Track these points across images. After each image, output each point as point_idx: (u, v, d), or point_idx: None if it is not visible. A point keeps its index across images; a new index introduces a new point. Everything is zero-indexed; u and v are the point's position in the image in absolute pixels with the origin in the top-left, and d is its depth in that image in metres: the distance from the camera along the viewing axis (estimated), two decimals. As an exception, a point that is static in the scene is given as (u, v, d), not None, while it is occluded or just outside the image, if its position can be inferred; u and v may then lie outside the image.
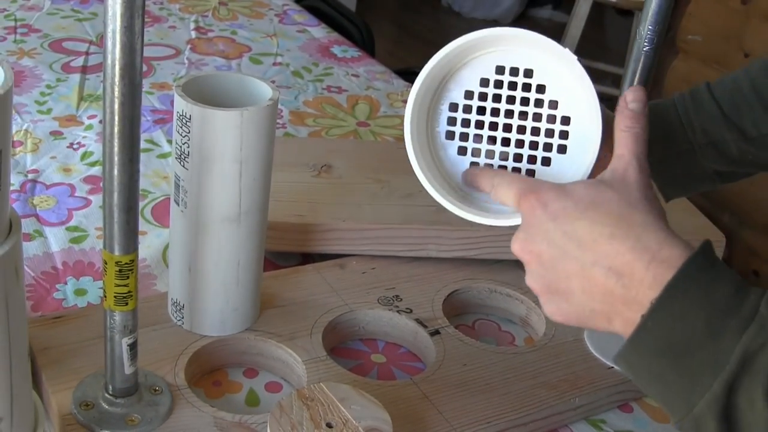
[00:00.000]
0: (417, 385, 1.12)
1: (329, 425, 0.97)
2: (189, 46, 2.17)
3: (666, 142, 1.14)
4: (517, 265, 1.34)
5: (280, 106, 1.86)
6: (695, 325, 0.73)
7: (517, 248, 0.89)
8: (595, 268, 0.81)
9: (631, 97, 0.94)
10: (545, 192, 0.87)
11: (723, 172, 1.16)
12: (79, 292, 1.28)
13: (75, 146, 1.66)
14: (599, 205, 0.84)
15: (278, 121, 1.83)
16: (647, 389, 0.79)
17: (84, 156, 1.63)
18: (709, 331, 0.72)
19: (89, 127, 1.73)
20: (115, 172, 0.86)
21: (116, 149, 0.85)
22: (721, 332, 0.72)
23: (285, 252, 1.39)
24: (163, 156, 1.66)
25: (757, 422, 0.70)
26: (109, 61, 0.81)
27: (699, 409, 0.72)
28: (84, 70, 1.96)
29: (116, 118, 0.84)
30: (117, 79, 0.82)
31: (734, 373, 0.71)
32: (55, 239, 1.39)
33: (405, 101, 1.64)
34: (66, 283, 1.30)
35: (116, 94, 0.83)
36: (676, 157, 1.15)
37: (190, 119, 1.02)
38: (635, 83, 1.21)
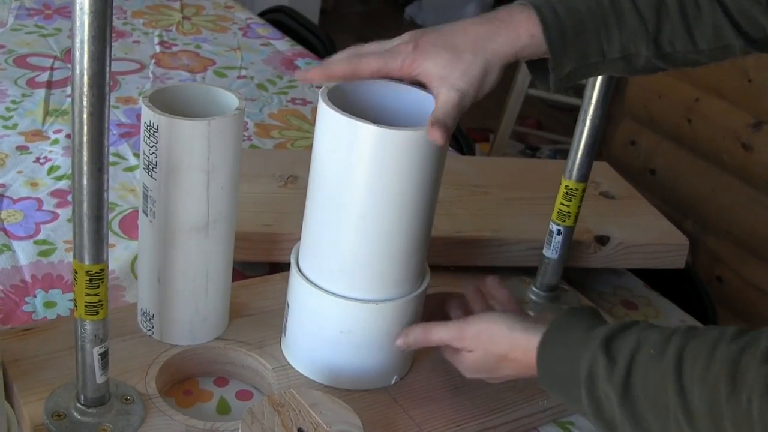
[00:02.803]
0: (386, 390, 1.13)
1: (300, 430, 0.98)
2: (153, 61, 2.17)
3: (578, 54, 1.06)
4: (483, 271, 1.37)
5: (245, 119, 1.87)
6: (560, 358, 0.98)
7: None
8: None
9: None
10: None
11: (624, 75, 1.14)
12: (49, 304, 1.29)
13: (42, 160, 1.66)
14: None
15: (244, 133, 1.83)
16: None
17: (51, 170, 1.63)
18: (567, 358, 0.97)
19: (55, 142, 1.73)
20: (84, 181, 0.87)
21: (85, 158, 0.86)
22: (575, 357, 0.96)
23: (253, 262, 1.39)
24: (130, 169, 1.66)
25: (615, 411, 0.91)
26: (77, 71, 0.82)
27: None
28: (49, 85, 1.96)
29: (85, 127, 0.84)
30: (86, 89, 0.83)
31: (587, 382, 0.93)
32: (24, 253, 1.39)
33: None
34: (35, 296, 1.30)
35: (85, 104, 0.83)
36: (585, 68, 1.07)
37: (157, 129, 1.03)
38: (597, 89, 1.23)
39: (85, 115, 0.84)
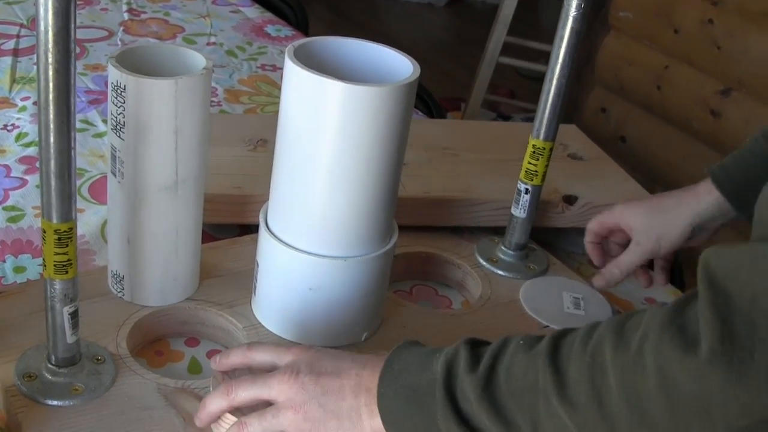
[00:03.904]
0: (357, 347, 1.14)
1: (271, 386, 0.98)
2: (122, 28, 2.16)
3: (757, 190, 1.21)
4: (453, 231, 1.37)
5: (214, 85, 1.87)
6: (412, 371, 0.89)
7: (287, 377, 0.94)
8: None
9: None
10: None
11: None
12: (18, 269, 1.29)
13: (9, 128, 1.66)
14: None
15: (213, 99, 1.83)
16: None
17: (18, 137, 1.63)
18: (420, 367, 0.88)
19: (23, 109, 1.73)
20: (51, 139, 0.87)
21: (51, 116, 0.86)
22: (429, 364, 0.88)
23: (223, 225, 1.40)
24: (99, 135, 1.66)
25: (473, 405, 0.82)
26: (42, 28, 0.82)
27: (442, 426, 0.84)
28: (15, 52, 1.96)
29: (51, 84, 0.84)
30: (50, 45, 0.82)
31: (444, 377, 0.85)
32: (-8, 219, 1.39)
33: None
34: (5, 261, 1.30)
35: (50, 60, 0.83)
36: None
37: (124, 89, 1.03)
38: (563, 49, 1.23)
39: (50, 72, 0.84)
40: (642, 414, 0.70)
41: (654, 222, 1.27)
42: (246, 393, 0.94)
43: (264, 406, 0.94)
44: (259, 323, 1.16)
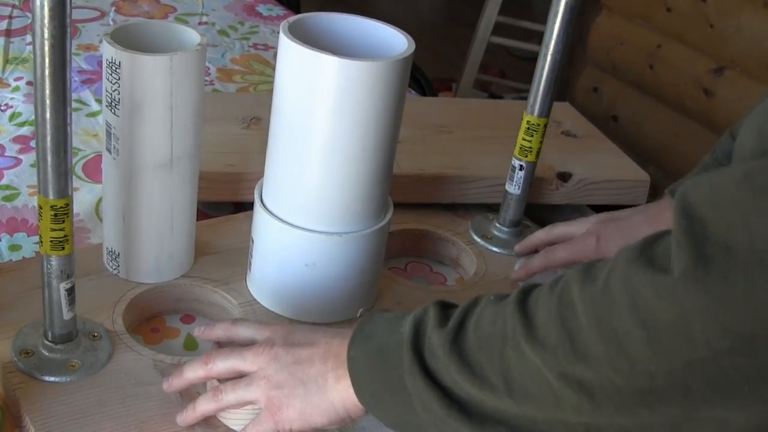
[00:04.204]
0: (352, 323, 1.14)
1: (267, 361, 0.99)
2: (114, 8, 2.16)
3: None
4: (448, 208, 1.38)
5: (207, 64, 1.87)
6: (381, 333, 0.89)
7: (262, 350, 0.96)
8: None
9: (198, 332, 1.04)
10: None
11: None
12: (14, 247, 1.29)
13: (2, 107, 1.65)
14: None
15: (206, 78, 1.83)
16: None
17: (12, 117, 1.63)
18: (390, 329, 0.88)
19: (16, 89, 1.72)
20: (47, 114, 0.87)
21: (48, 91, 0.86)
22: (398, 325, 0.87)
23: (217, 203, 1.40)
24: (92, 115, 1.66)
25: (441, 359, 0.81)
26: (38, 2, 0.82)
27: (409, 384, 0.83)
28: (8, 33, 1.95)
29: (47, 60, 0.84)
30: (47, 20, 0.82)
31: (412, 334, 0.84)
32: (-13, 198, 1.39)
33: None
34: (0, 240, 1.30)
35: (46, 35, 0.83)
36: None
37: (119, 66, 1.03)
38: (557, 24, 1.24)
39: (46, 47, 0.83)
40: (618, 346, 0.68)
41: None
42: (223, 364, 0.96)
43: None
44: (255, 300, 1.16)
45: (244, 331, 0.99)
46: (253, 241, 1.16)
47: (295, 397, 0.92)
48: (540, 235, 1.33)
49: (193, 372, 0.97)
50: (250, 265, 1.18)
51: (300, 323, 1.00)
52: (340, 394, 0.90)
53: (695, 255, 0.64)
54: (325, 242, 1.10)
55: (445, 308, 0.85)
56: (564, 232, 1.30)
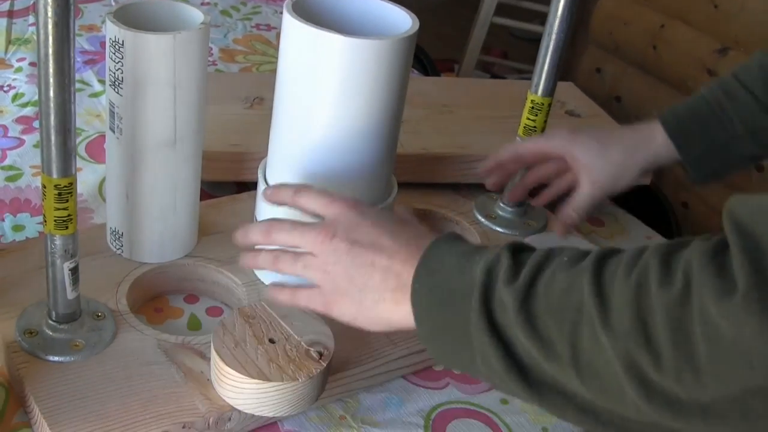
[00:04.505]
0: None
1: (272, 341, 0.99)
2: (116, -11, 2.16)
3: (703, 138, 1.22)
4: (451, 188, 1.38)
5: (210, 44, 1.86)
6: (449, 272, 0.84)
7: (323, 237, 0.93)
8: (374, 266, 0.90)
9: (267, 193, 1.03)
10: (355, 201, 0.96)
11: (757, 155, 1.23)
12: (17, 228, 1.29)
13: (5, 88, 1.66)
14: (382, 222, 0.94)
15: (209, 58, 1.83)
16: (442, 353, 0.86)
17: (15, 97, 1.63)
18: (459, 269, 0.83)
19: (19, 70, 1.72)
20: (51, 93, 0.86)
21: (51, 70, 0.85)
22: (469, 268, 0.82)
23: (221, 183, 1.40)
24: (95, 95, 1.66)
25: (509, 317, 0.77)
26: (41, -20, 0.82)
27: (473, 334, 0.80)
28: (11, 14, 1.95)
29: (50, 38, 0.84)
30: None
31: (483, 284, 0.80)
32: (-10, 178, 1.39)
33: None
34: (3, 220, 1.30)
35: (49, 14, 0.82)
36: (714, 151, 1.22)
37: (122, 45, 1.03)
38: (562, 3, 1.23)
39: (50, 26, 0.83)
40: (687, 353, 0.67)
41: (609, 161, 1.25)
42: (283, 237, 0.96)
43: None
44: (259, 280, 1.16)
45: (308, 203, 0.98)
46: (256, 221, 1.16)
47: (350, 301, 0.91)
48: (504, 154, 1.34)
49: (254, 235, 0.99)
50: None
51: (365, 207, 0.96)
52: (397, 316, 0.88)
53: (754, 276, 0.63)
54: None
55: (517, 255, 0.82)
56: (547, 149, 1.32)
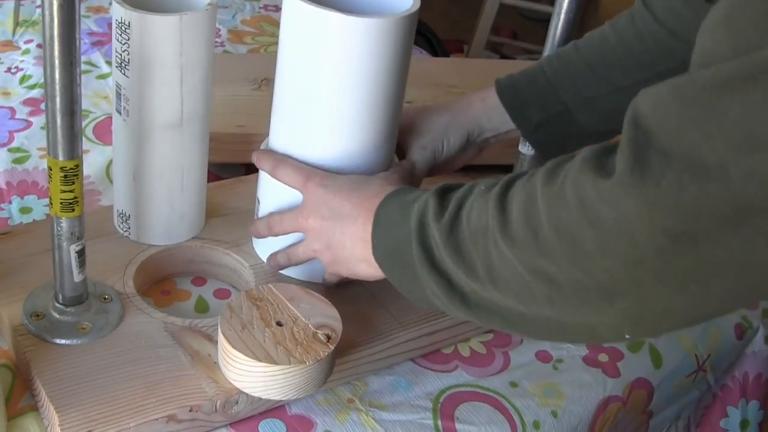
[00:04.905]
0: (364, 286, 1.13)
1: (279, 323, 0.98)
2: (123, -30, 2.14)
3: (539, 107, 1.19)
4: (461, 170, 1.37)
5: (218, 26, 1.86)
6: (394, 223, 0.93)
7: (301, 221, 1.06)
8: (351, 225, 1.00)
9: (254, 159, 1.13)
10: (322, 177, 1.05)
11: (603, 131, 1.18)
12: (24, 210, 1.28)
13: (13, 70, 1.65)
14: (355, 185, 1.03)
15: (216, 40, 1.82)
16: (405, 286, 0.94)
17: (23, 79, 1.62)
18: (401, 219, 0.92)
19: (26, 52, 1.72)
20: (57, 75, 0.86)
21: (56, 52, 0.85)
22: (406, 215, 0.91)
23: (228, 165, 1.39)
24: (102, 77, 1.65)
25: (441, 251, 0.85)
26: (45, -39, 0.81)
27: (420, 275, 0.88)
28: (18, -4, 1.94)
29: (56, 20, 0.83)
30: (55, -21, 0.82)
31: (417, 229, 0.88)
32: (-3, 160, 1.39)
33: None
34: (10, 203, 1.30)
35: (54, -5, 0.82)
36: (552, 120, 1.19)
37: (129, 26, 1.02)
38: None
39: (55, 7, 0.83)
40: (573, 245, 0.72)
41: (434, 123, 1.22)
42: (277, 228, 1.10)
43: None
44: (264, 262, 1.16)
45: (285, 178, 1.08)
46: (259, 201, 1.16)
47: (340, 261, 1.02)
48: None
49: (263, 231, 1.12)
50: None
51: (334, 179, 1.05)
52: (375, 272, 0.97)
53: (633, 161, 0.67)
54: None
55: (443, 195, 0.89)
56: None
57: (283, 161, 1.09)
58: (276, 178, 1.09)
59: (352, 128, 1.06)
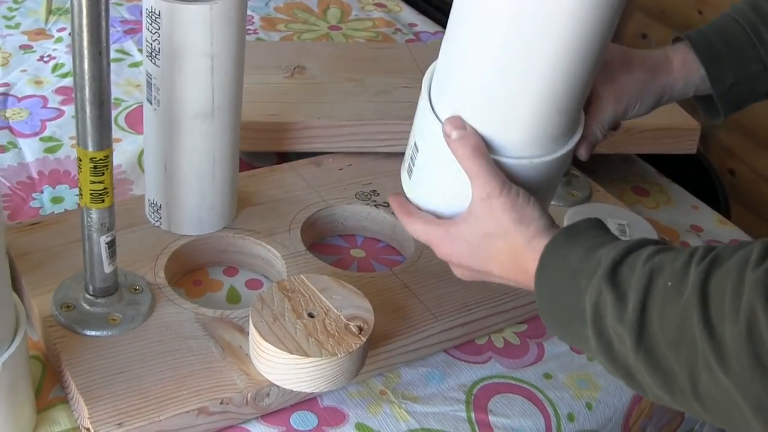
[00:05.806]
0: (397, 276, 1.13)
1: (311, 315, 0.97)
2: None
3: (737, 67, 1.07)
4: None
5: (250, 13, 1.85)
6: (560, 288, 0.84)
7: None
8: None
9: (449, 129, 0.91)
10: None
11: None
12: (56, 200, 1.28)
13: (45, 59, 1.65)
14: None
15: (249, 27, 1.82)
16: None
17: (55, 68, 1.62)
18: (569, 289, 0.82)
19: (59, 40, 1.71)
20: (86, 65, 0.85)
21: (85, 42, 0.84)
22: (577, 289, 0.81)
23: (261, 154, 1.38)
24: (135, 65, 1.65)
25: (627, 353, 0.76)
26: (73, -50, 0.80)
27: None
28: (51, -16, 1.94)
29: (84, 10, 0.83)
30: (83, -31, 0.81)
31: (593, 321, 0.79)
32: (30, 150, 1.38)
33: (376, 4, 1.65)
34: (42, 192, 1.29)
35: (83, -16, 0.82)
36: (747, 80, 1.08)
37: (159, 15, 1.01)
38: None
39: (83, -3, 0.82)
40: None
41: (633, 79, 1.07)
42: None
43: None
44: (298, 252, 1.14)
45: (413, 233, 0.98)
46: (417, 148, 0.99)
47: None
48: None
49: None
50: (411, 170, 1.01)
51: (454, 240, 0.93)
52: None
53: None
54: (515, 170, 0.93)
55: (614, 281, 0.78)
56: None
57: (415, 219, 0.98)
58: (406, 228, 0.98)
59: (565, 85, 0.89)
